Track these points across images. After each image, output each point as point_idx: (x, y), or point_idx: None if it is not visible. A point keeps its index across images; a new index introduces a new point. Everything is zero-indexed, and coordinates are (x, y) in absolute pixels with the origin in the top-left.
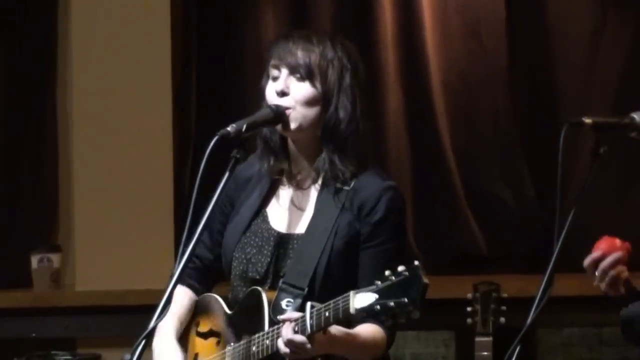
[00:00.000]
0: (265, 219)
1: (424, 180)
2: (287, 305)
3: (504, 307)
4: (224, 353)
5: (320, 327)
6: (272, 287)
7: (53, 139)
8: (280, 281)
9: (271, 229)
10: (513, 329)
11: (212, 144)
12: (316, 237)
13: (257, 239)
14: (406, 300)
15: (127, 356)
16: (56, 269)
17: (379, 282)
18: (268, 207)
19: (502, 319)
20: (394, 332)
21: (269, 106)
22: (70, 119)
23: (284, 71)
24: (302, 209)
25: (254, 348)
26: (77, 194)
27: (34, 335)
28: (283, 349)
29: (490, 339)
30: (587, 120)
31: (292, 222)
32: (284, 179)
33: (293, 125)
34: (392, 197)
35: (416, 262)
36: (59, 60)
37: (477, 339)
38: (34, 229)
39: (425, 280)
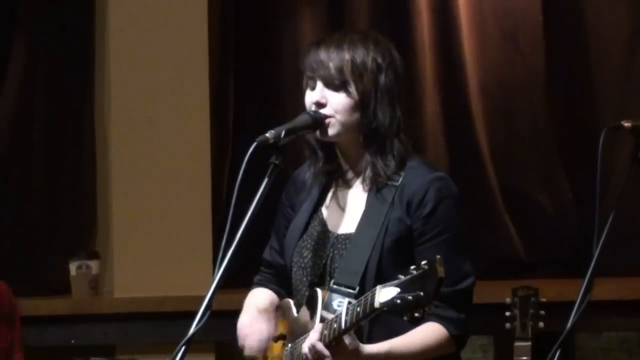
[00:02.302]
0: (321, 222)
1: (462, 184)
2: (338, 306)
3: (542, 312)
4: (283, 355)
5: (353, 323)
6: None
7: (91, 147)
8: (332, 282)
9: (326, 230)
10: (552, 334)
11: (250, 150)
12: (366, 236)
13: (312, 242)
14: (422, 293)
15: None
16: (95, 275)
17: (401, 276)
18: (322, 210)
19: (541, 324)
20: (463, 328)
21: (308, 112)
22: (107, 126)
23: (319, 83)
24: (354, 209)
25: (298, 351)
26: (114, 201)
27: (73, 342)
28: (306, 352)
29: (529, 343)
30: (626, 124)
31: (344, 222)
32: (336, 181)
33: (331, 132)
34: (440, 187)
35: (438, 256)
36: (96, 67)
37: (516, 343)
38: (72, 236)
39: (440, 274)
